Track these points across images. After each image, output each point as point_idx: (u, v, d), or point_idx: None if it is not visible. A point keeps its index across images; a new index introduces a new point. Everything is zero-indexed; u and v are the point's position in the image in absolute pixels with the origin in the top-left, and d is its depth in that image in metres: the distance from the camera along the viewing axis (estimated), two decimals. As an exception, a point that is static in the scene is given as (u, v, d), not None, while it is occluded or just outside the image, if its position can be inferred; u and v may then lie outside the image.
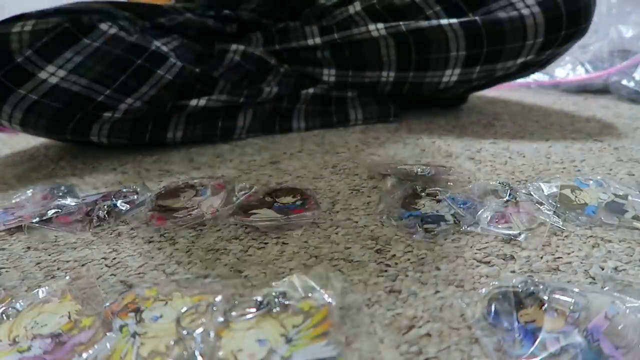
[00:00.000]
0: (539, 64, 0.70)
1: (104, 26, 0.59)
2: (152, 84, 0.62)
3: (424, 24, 0.65)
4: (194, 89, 0.66)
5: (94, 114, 0.60)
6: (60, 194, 0.50)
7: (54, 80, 0.56)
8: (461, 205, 0.42)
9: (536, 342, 0.26)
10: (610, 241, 0.37)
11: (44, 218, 0.44)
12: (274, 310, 0.28)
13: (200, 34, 0.71)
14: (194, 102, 0.65)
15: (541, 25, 0.61)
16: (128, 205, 0.46)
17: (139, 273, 0.36)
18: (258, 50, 0.72)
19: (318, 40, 0.70)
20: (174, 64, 0.63)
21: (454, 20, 0.63)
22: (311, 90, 0.73)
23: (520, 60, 0.65)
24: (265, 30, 0.74)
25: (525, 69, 0.70)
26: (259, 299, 0.29)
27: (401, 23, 0.66)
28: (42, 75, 0.56)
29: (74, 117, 0.59)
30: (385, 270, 0.34)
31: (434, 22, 0.64)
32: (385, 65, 0.69)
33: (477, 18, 0.63)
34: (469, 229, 0.39)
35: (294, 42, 0.72)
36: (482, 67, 0.66)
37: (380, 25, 0.66)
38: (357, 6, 0.69)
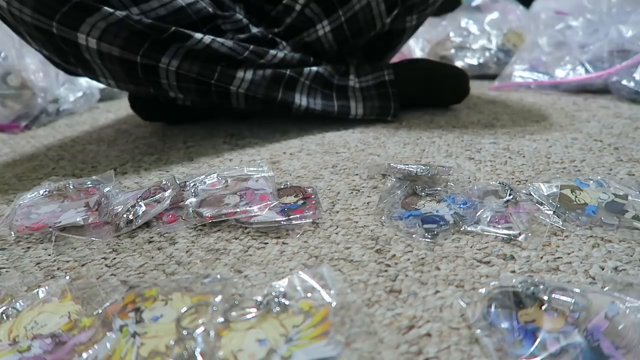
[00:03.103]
0: None
1: None
2: (162, 2, 0.60)
3: None
4: (200, 30, 0.64)
5: (92, 5, 0.57)
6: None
7: None
8: (461, 205, 0.42)
9: (536, 342, 0.26)
10: (610, 241, 0.37)
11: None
12: (274, 310, 0.28)
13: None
14: (198, 35, 0.63)
15: None
16: (159, 206, 0.44)
17: (139, 273, 0.36)
18: (260, 27, 0.73)
19: None
20: None
21: None
22: (314, 69, 0.74)
23: None
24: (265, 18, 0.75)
25: None
26: (259, 299, 0.29)
27: None
28: None
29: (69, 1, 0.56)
30: (385, 270, 0.34)
31: None
32: None
33: None
34: (469, 229, 0.39)
35: (287, 19, 0.73)
36: None
37: None
38: None
